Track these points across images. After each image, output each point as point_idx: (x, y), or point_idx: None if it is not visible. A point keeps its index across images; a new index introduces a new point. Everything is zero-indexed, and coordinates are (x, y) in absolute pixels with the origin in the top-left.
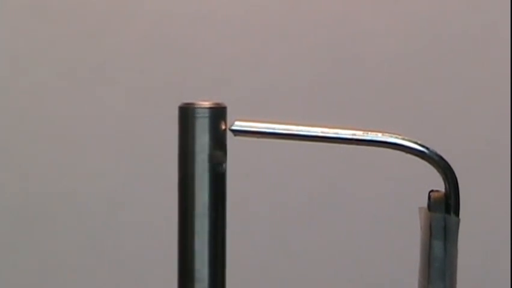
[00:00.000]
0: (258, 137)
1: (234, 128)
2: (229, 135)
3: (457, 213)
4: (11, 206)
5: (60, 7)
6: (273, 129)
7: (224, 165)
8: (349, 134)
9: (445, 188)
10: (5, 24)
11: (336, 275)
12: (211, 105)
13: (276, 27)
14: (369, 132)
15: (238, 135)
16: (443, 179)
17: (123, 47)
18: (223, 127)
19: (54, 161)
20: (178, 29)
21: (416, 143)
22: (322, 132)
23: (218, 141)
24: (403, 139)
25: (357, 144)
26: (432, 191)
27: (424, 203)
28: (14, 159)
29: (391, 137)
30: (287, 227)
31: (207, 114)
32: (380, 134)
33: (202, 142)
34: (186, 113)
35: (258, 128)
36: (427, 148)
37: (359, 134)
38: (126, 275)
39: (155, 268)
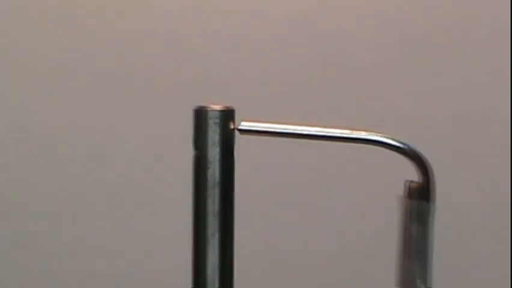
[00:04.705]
0: (261, 136)
1: (240, 127)
2: (236, 133)
3: (430, 200)
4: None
5: (81, 12)
6: (274, 128)
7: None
8: (338, 133)
9: (420, 179)
10: (31, 29)
11: (330, 252)
12: (222, 108)
13: (278, 44)
14: (356, 131)
15: (244, 134)
16: (419, 171)
17: (147, 58)
18: (232, 127)
19: (70, 162)
20: (194, 44)
21: (395, 140)
22: (316, 131)
23: (227, 139)
24: (385, 137)
25: (346, 141)
26: (409, 181)
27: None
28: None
29: (375, 135)
30: (287, 213)
31: (218, 116)
32: (364, 133)
33: (214, 140)
34: (200, 115)
35: (262, 127)
36: (405, 144)
37: (347, 133)
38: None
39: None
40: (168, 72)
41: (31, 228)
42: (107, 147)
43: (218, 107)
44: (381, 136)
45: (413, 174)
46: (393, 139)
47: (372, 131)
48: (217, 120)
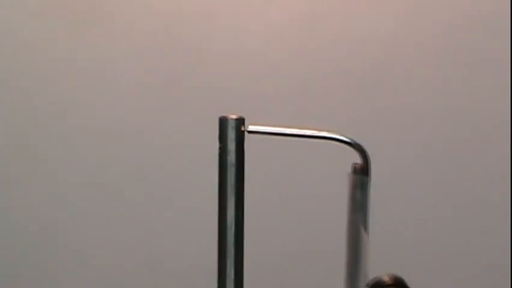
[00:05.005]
0: (262, 135)
1: (248, 129)
2: (246, 133)
3: (368, 175)
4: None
5: (113, 26)
6: (269, 130)
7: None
8: (310, 133)
9: (362, 162)
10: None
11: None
12: (236, 117)
13: (274, 69)
14: (321, 132)
15: (251, 133)
16: (361, 156)
17: (192, 82)
18: (243, 129)
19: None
20: (220, 74)
21: (346, 137)
22: (296, 132)
23: (240, 137)
24: (340, 135)
25: (314, 138)
26: (355, 163)
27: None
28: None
29: (333, 134)
30: (278, 182)
31: (234, 122)
32: (326, 132)
33: (230, 138)
34: (223, 121)
35: (262, 130)
36: (352, 140)
37: (316, 133)
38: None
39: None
40: (205, 93)
41: (79, 208)
42: (164, 142)
43: (234, 116)
44: (337, 134)
45: (357, 158)
46: (345, 136)
47: (332, 131)
48: (234, 125)
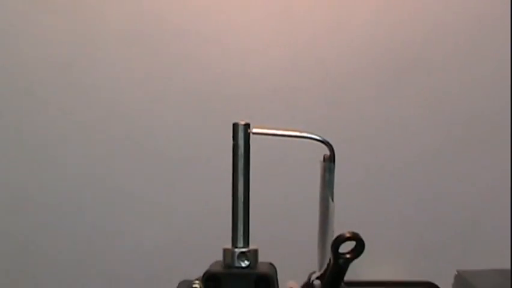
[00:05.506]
0: (262, 135)
1: (252, 131)
2: (250, 134)
3: (334, 162)
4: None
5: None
6: (267, 131)
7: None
8: (295, 133)
9: (329, 153)
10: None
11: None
12: (244, 123)
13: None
14: (303, 132)
15: (254, 134)
16: (329, 150)
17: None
18: (248, 131)
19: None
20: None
21: (320, 136)
22: (286, 133)
23: (246, 137)
24: (315, 135)
25: (298, 138)
26: (325, 154)
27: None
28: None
29: (311, 134)
30: (271, 167)
31: (243, 126)
32: (306, 133)
33: (240, 136)
34: (235, 126)
35: (262, 131)
36: (323, 138)
37: (299, 134)
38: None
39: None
40: (224, 103)
41: (107, 192)
42: (187, 142)
43: (243, 122)
44: (313, 134)
45: (326, 151)
46: (319, 136)
47: (309, 132)
48: (243, 128)
